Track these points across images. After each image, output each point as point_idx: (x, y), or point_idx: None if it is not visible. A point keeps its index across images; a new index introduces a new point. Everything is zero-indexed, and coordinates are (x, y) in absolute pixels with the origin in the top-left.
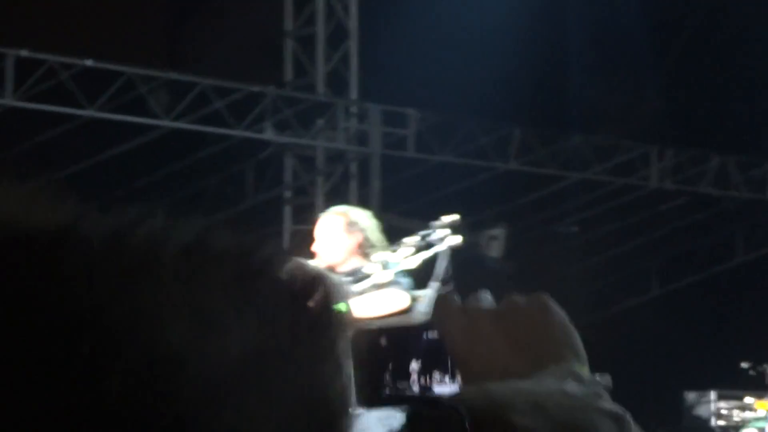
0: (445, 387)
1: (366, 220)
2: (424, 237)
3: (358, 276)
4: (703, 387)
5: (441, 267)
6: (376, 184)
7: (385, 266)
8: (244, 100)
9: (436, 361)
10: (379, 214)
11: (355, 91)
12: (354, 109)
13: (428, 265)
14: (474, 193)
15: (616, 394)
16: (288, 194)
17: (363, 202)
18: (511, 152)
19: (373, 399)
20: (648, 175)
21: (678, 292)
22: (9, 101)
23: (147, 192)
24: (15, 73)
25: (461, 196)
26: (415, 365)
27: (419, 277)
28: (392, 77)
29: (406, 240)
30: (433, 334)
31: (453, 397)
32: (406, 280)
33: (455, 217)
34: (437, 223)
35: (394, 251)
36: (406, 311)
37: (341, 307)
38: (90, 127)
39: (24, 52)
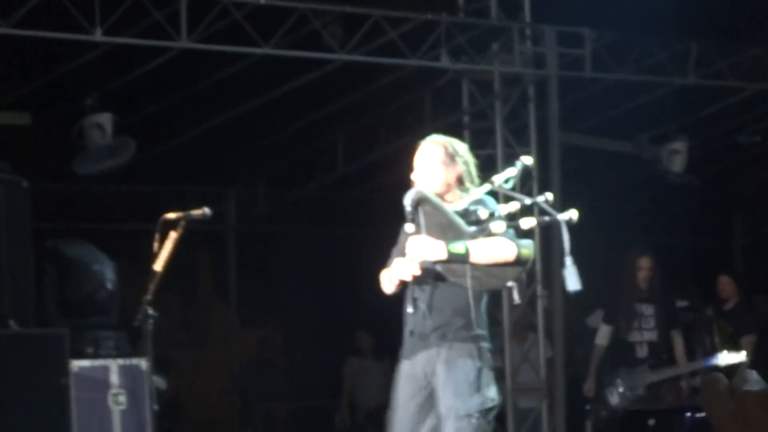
0: None
1: (466, 153)
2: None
3: (471, 218)
4: None
5: (566, 240)
6: (554, 106)
7: (495, 215)
8: (418, 29)
9: None
10: (560, 135)
11: (528, 13)
12: (528, 32)
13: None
14: (653, 109)
15: None
16: (466, 119)
17: (541, 124)
18: (689, 66)
19: None
20: None
21: None
22: (184, 43)
23: (326, 123)
24: (188, 15)
25: (640, 111)
26: None
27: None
28: None
29: (495, 179)
30: (698, 414)
31: None
32: (513, 235)
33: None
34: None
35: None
36: (510, 265)
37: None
38: (265, 65)
39: None
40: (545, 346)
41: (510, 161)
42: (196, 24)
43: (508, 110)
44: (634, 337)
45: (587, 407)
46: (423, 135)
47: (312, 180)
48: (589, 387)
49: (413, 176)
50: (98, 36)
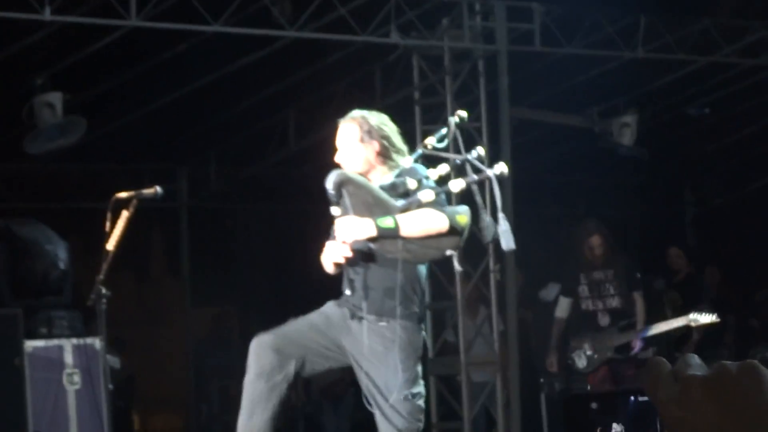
0: None
1: (385, 125)
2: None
3: (399, 191)
4: None
5: (497, 195)
6: (504, 80)
7: (422, 184)
8: (367, 5)
9: (645, 423)
10: (510, 109)
11: None
12: (478, 7)
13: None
14: (602, 82)
15: (753, 270)
16: (417, 95)
17: (492, 98)
18: (638, 40)
19: None
20: None
21: None
22: (134, 22)
23: (277, 100)
24: None
25: (590, 85)
26: (617, 427)
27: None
28: None
29: (429, 141)
30: (641, 398)
31: None
32: (444, 202)
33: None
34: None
35: (428, 166)
36: (445, 234)
37: (461, 216)
38: (215, 42)
39: None
40: (497, 320)
41: (461, 136)
42: (145, 2)
43: (459, 85)
44: (595, 305)
45: (541, 380)
46: (374, 110)
47: (264, 156)
48: (551, 361)
49: (336, 158)
50: (47, 15)
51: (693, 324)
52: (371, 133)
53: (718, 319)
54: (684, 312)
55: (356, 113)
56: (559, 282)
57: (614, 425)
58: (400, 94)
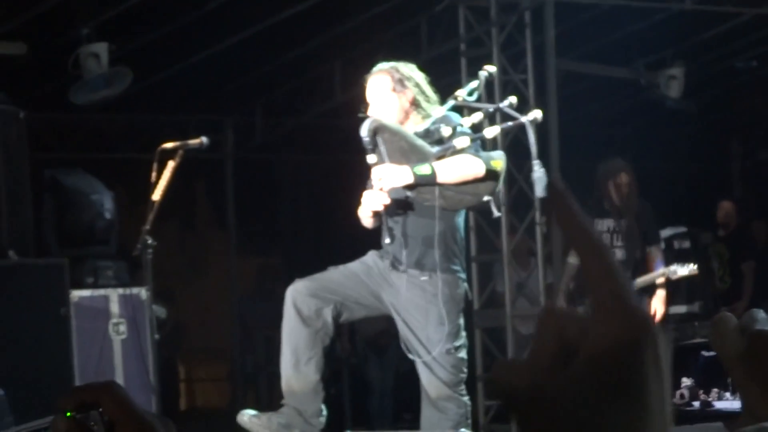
0: (726, 403)
1: (415, 73)
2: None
3: (434, 138)
4: None
5: (532, 142)
6: (551, 32)
7: (457, 131)
8: None
9: (715, 378)
10: (556, 61)
11: None
12: None
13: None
14: (650, 34)
15: None
16: (463, 46)
17: (538, 50)
18: None
19: None
20: None
21: None
22: None
23: (323, 51)
24: None
25: (637, 37)
26: (687, 382)
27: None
28: None
29: (459, 93)
30: (711, 353)
31: None
32: (479, 148)
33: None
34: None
35: (460, 113)
36: (481, 180)
37: (496, 161)
38: None
39: None
40: (544, 272)
41: (507, 88)
42: None
43: (505, 37)
44: None
45: None
46: (420, 61)
47: (309, 107)
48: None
49: (369, 112)
50: None
51: (672, 276)
52: (403, 81)
53: (696, 272)
54: (731, 265)
55: (384, 65)
56: None
57: (684, 379)
58: (446, 46)
